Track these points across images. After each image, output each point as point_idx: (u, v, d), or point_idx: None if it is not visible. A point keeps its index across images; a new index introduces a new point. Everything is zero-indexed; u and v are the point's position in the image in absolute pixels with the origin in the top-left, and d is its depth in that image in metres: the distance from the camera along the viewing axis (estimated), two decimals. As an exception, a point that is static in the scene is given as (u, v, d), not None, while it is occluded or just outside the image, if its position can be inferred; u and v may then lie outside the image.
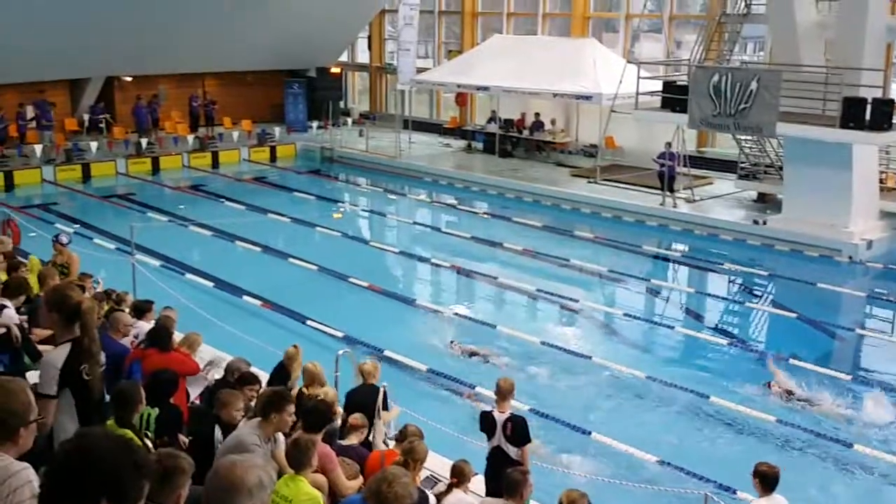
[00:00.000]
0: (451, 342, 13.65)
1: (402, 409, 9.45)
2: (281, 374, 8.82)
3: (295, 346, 9.05)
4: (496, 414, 8.02)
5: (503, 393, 8.08)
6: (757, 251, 19.15)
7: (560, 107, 27.12)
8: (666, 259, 19.90)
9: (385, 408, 8.43)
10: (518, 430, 7.92)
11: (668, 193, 21.19)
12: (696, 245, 19.99)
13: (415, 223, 22.71)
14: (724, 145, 25.18)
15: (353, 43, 34.97)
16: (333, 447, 6.97)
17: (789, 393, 11.87)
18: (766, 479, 7.13)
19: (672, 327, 15.00)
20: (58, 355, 4.95)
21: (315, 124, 31.30)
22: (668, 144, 21.14)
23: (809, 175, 18.86)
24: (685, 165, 21.91)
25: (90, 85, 28.26)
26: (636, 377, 12.42)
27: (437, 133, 31.38)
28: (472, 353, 13.26)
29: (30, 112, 26.36)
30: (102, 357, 5.60)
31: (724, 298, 17.32)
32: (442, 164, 26.95)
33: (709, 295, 17.37)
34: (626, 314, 15.52)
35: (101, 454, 2.51)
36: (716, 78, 19.08)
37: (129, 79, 29.14)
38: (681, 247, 20.46)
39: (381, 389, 8.40)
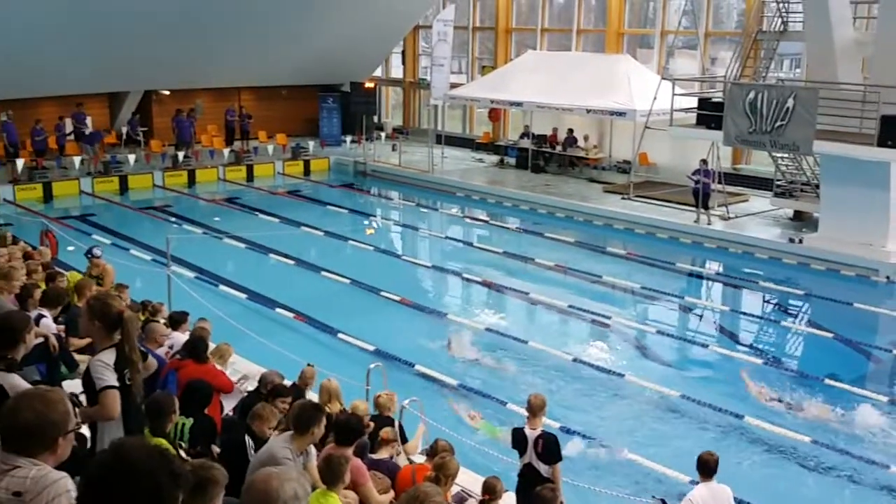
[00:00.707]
0: (448, 344, 13.83)
1: (433, 423, 9.45)
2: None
3: (311, 366, 8.99)
4: (528, 430, 8.00)
5: (534, 409, 8.05)
6: (792, 270, 18.93)
7: (593, 123, 27.08)
8: (700, 276, 19.73)
9: (403, 440, 8.36)
10: (549, 448, 7.89)
11: (702, 210, 21.03)
12: (730, 263, 19.81)
13: (447, 238, 22.73)
14: (760, 162, 24.96)
15: (388, 58, 35.20)
16: (364, 461, 6.97)
17: (777, 399, 12.15)
18: (702, 466, 7.45)
19: (706, 346, 14.85)
20: (107, 355, 5.00)
21: (349, 138, 31.48)
22: (704, 161, 20.99)
23: (846, 193, 18.64)
24: (720, 182, 21.76)
25: (129, 98, 28.71)
26: (669, 396, 12.31)
27: (470, 148, 31.44)
28: (475, 359, 13.50)
29: (68, 125, 26.79)
30: (154, 365, 5.66)
31: (758, 317, 17.13)
32: (474, 178, 26.99)
33: (743, 313, 17.17)
34: (659, 332, 15.39)
35: (138, 463, 2.53)
36: (752, 95, 18.95)
37: (166, 92, 29.56)
38: (715, 264, 20.29)
39: (398, 423, 8.34)
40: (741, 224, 21.23)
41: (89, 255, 12.60)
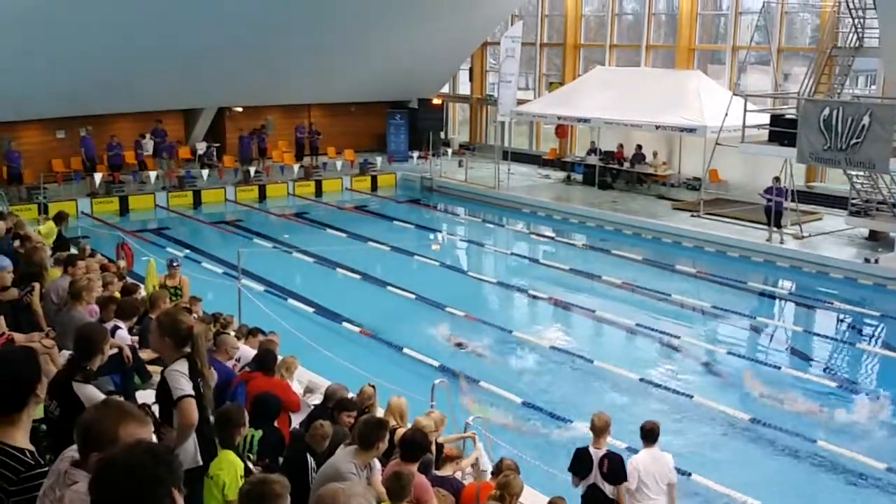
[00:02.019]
0: (450, 337, 14.00)
1: (495, 440, 9.41)
2: None
3: (372, 386, 9.01)
4: (592, 450, 7.92)
5: (598, 429, 7.96)
6: (868, 290, 18.40)
7: (662, 139, 26.79)
8: (772, 296, 19.31)
9: (437, 466, 8.15)
10: (614, 468, 7.79)
11: (775, 229, 20.61)
12: (803, 283, 19.36)
13: (513, 254, 22.66)
14: (834, 180, 24.36)
15: (455, 75, 35.39)
16: (428, 477, 6.98)
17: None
18: (645, 434, 7.95)
19: (778, 367, 14.49)
20: (181, 365, 5.14)
21: (416, 154, 31.70)
22: (777, 179, 20.59)
23: (926, 213, 18.11)
24: (793, 200, 21.31)
25: (203, 115, 29.41)
26: (739, 419, 12.06)
27: (537, 164, 31.36)
28: (459, 345, 13.82)
29: (149, 145, 27.51)
30: (214, 377, 5.79)
31: (832, 339, 16.68)
32: (541, 195, 26.91)
33: (817, 335, 16.75)
34: (729, 352, 15.10)
35: (122, 461, 2.56)
36: (826, 112, 18.55)
37: (239, 109, 30.20)
38: (788, 284, 19.85)
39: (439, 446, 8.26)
40: (815, 243, 20.74)
41: (171, 264, 13.05)
